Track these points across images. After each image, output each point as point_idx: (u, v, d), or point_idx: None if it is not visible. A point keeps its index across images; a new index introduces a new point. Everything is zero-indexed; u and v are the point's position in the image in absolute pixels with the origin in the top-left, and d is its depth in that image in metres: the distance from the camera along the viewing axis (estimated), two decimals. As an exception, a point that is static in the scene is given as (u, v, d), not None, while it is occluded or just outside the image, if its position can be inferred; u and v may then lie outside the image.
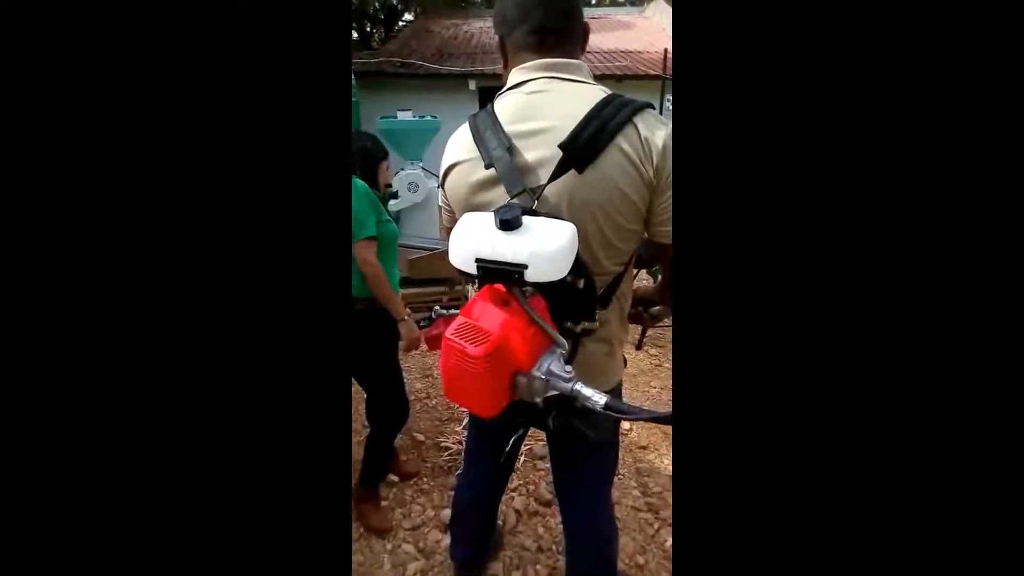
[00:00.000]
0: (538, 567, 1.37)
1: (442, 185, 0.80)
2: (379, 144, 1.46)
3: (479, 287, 0.73)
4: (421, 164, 3.64)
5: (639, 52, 7.75)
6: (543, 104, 0.69)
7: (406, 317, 1.38)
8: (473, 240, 0.61)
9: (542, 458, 1.78)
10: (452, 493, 1.59)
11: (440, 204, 0.85)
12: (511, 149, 0.67)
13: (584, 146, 0.63)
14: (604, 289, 0.75)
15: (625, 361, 0.90)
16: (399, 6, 11.23)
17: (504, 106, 0.72)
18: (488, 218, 0.61)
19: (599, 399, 0.61)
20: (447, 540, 1.43)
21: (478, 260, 0.60)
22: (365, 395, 1.51)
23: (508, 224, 0.58)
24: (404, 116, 3.69)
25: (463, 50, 7.85)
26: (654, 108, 0.69)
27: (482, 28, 9.19)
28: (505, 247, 0.58)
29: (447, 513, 1.52)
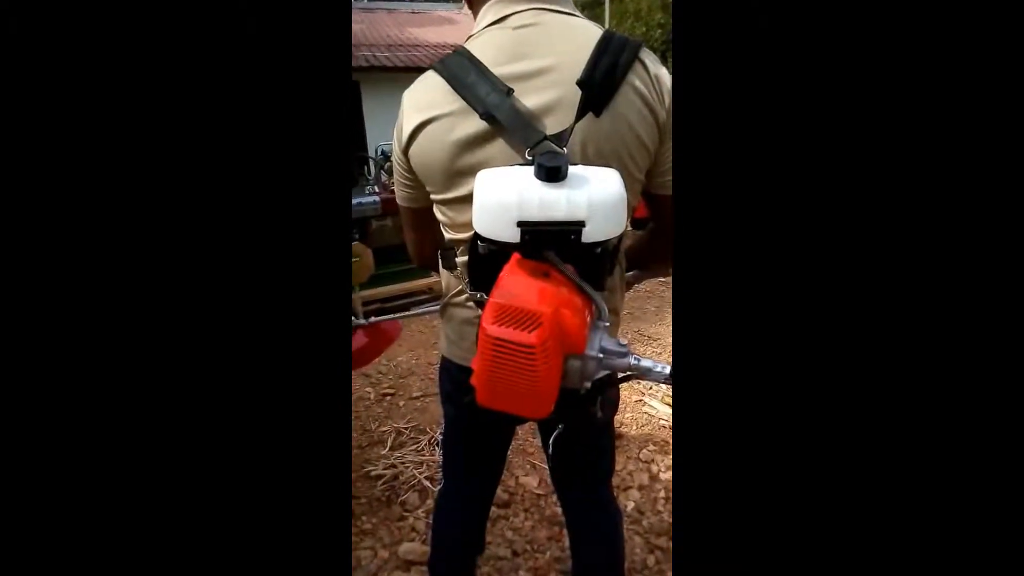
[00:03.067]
0: (520, 572, 1.27)
1: (404, 153, 0.64)
2: None
3: (476, 268, 0.59)
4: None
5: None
6: (536, 40, 0.58)
7: None
8: (513, 199, 0.47)
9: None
10: (410, 516, 1.39)
11: (400, 180, 0.68)
12: (510, 92, 0.55)
13: (599, 85, 0.54)
14: (611, 252, 0.67)
15: None
16: None
17: (485, 46, 0.59)
18: (521, 172, 0.49)
19: (663, 369, 0.53)
20: (414, 578, 1.25)
21: (522, 223, 0.47)
22: None
23: (555, 173, 0.46)
24: None
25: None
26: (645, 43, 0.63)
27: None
28: (557, 202, 0.47)
29: (406, 548, 1.33)
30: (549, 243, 0.49)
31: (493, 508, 1.48)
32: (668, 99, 0.60)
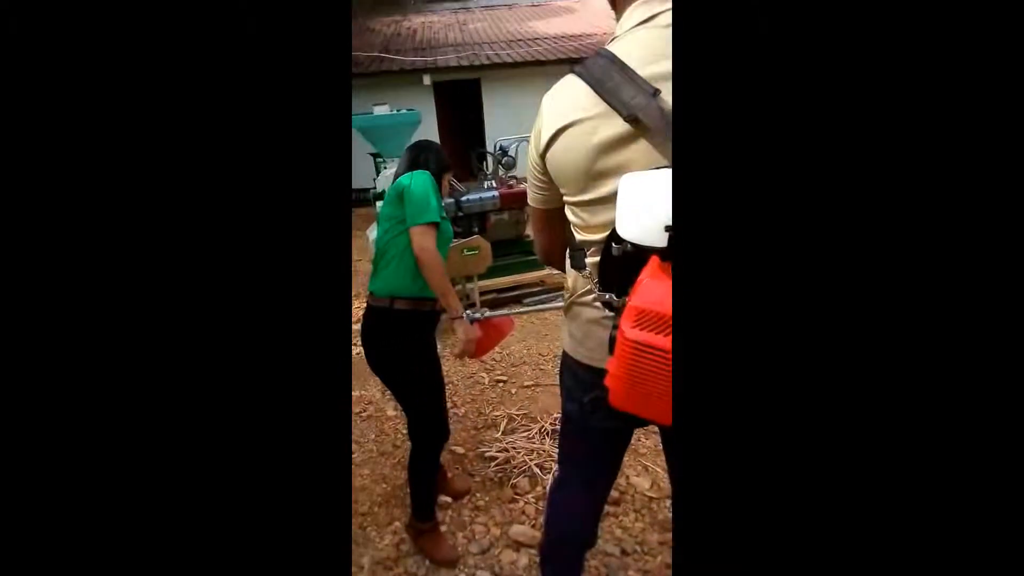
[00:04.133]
0: (630, 572, 1.26)
1: (542, 156, 0.66)
2: (444, 158, 1.40)
3: (608, 270, 0.60)
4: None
5: (584, 35, 7.72)
6: None
7: (464, 315, 1.23)
8: (662, 202, 0.48)
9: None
10: (519, 500, 1.47)
11: (535, 182, 0.71)
12: (656, 93, 0.55)
13: None
14: None
15: None
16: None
17: (631, 47, 0.59)
18: (668, 175, 0.49)
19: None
20: (525, 559, 1.30)
21: (670, 227, 0.48)
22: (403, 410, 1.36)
23: (707, 177, 0.45)
24: (380, 110, 3.44)
25: (409, 46, 7.61)
26: None
27: (424, 23, 8.96)
28: None
29: (517, 530, 1.39)
30: None
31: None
32: None
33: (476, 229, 2.95)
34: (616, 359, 0.50)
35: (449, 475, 1.59)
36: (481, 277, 2.86)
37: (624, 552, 1.32)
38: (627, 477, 1.58)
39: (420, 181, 1.21)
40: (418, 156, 1.37)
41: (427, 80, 6.65)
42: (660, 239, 0.48)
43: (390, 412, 2.03)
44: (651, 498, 1.50)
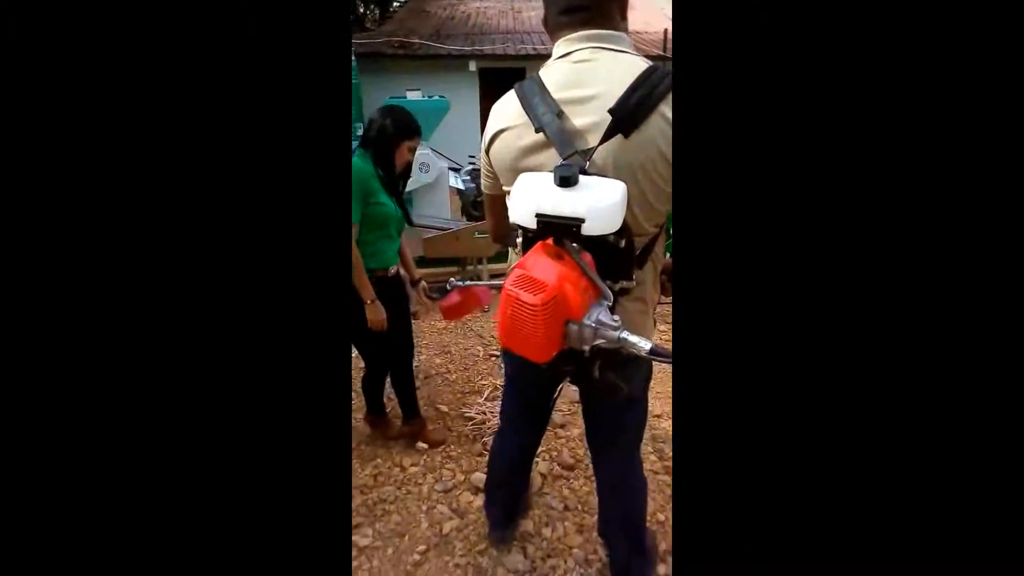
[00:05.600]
0: (566, 524, 1.44)
1: (487, 151, 0.84)
2: (404, 123, 1.42)
3: (525, 247, 0.77)
4: (429, 145, 3.65)
5: (638, 32, 7.66)
6: (590, 72, 0.73)
7: (371, 301, 1.43)
8: (534, 197, 0.65)
9: (562, 426, 1.85)
10: (487, 455, 1.67)
11: (483, 171, 0.89)
12: (560, 114, 0.71)
13: (631, 111, 0.68)
14: (641, 250, 0.79)
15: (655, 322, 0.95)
16: (393, -14, 11.09)
17: (551, 75, 0.75)
18: (546, 177, 0.66)
19: (644, 344, 0.66)
20: (479, 501, 1.50)
21: (538, 215, 0.65)
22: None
23: (567, 181, 0.62)
24: (413, 96, 3.65)
25: (461, 30, 7.76)
26: None
27: (479, 8, 9.07)
28: (564, 202, 0.63)
29: (477, 476, 1.59)
30: (556, 232, 0.65)
31: (558, 468, 1.66)
32: None
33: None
34: (500, 308, 0.68)
35: (431, 427, 1.80)
36: (491, 260, 3.05)
37: (566, 507, 1.50)
38: (585, 448, 1.75)
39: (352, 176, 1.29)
40: (368, 130, 1.40)
41: (473, 66, 6.81)
42: (532, 222, 0.66)
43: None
44: (602, 468, 1.66)
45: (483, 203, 0.96)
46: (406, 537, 1.39)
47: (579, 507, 1.50)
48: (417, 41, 7.05)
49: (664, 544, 1.35)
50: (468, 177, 4.14)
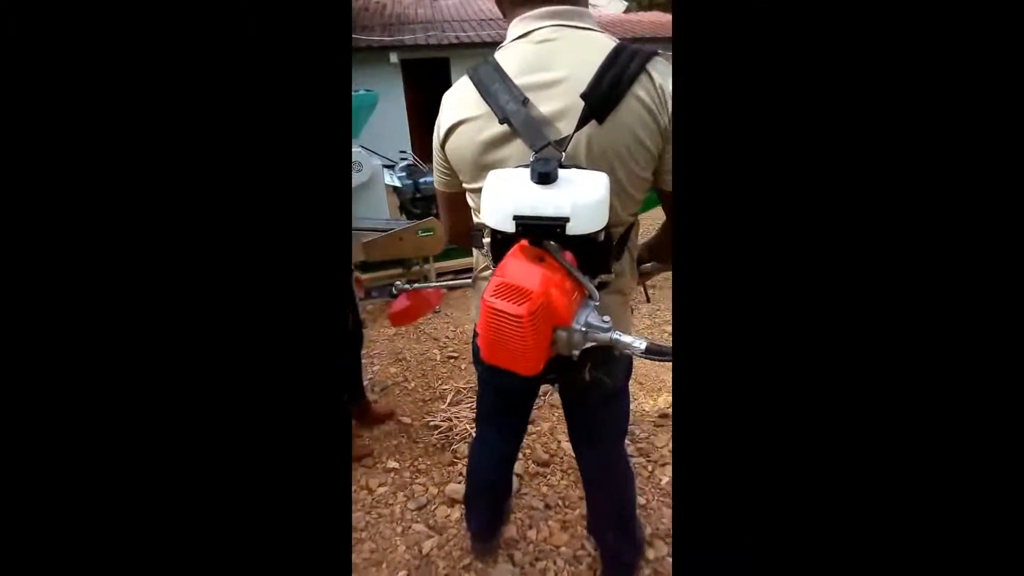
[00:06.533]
0: (550, 523, 1.41)
1: (442, 146, 0.76)
2: None
3: (495, 249, 0.71)
4: (359, 143, 3.45)
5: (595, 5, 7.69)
6: (553, 54, 0.67)
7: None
8: (510, 197, 0.59)
9: (531, 422, 1.81)
10: (459, 463, 1.60)
11: (438, 168, 0.81)
12: (525, 101, 0.65)
13: (604, 95, 0.63)
14: (618, 240, 0.75)
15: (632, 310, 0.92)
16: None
17: (510, 57, 0.69)
18: (520, 174, 0.59)
19: (639, 344, 0.62)
20: (457, 513, 1.44)
21: (517, 217, 0.58)
22: None
23: (546, 177, 0.56)
24: None
25: (378, 22, 7.45)
26: (662, 54, 0.69)
27: (395, -3, 8.75)
28: (545, 201, 0.57)
29: (452, 488, 1.52)
30: (540, 234, 0.59)
31: (533, 465, 1.63)
32: (671, 106, 0.66)
33: (434, 211, 3.02)
34: (480, 322, 0.61)
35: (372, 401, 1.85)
36: (437, 258, 2.95)
37: (547, 506, 1.47)
38: (559, 442, 1.73)
39: None
40: None
41: (394, 58, 6.56)
42: (509, 225, 0.59)
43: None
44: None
45: (435, 200, 0.88)
46: (383, 565, 1.30)
47: (560, 503, 1.48)
48: (332, 33, 6.66)
49: (648, 528, 1.35)
50: (404, 173, 3.98)
